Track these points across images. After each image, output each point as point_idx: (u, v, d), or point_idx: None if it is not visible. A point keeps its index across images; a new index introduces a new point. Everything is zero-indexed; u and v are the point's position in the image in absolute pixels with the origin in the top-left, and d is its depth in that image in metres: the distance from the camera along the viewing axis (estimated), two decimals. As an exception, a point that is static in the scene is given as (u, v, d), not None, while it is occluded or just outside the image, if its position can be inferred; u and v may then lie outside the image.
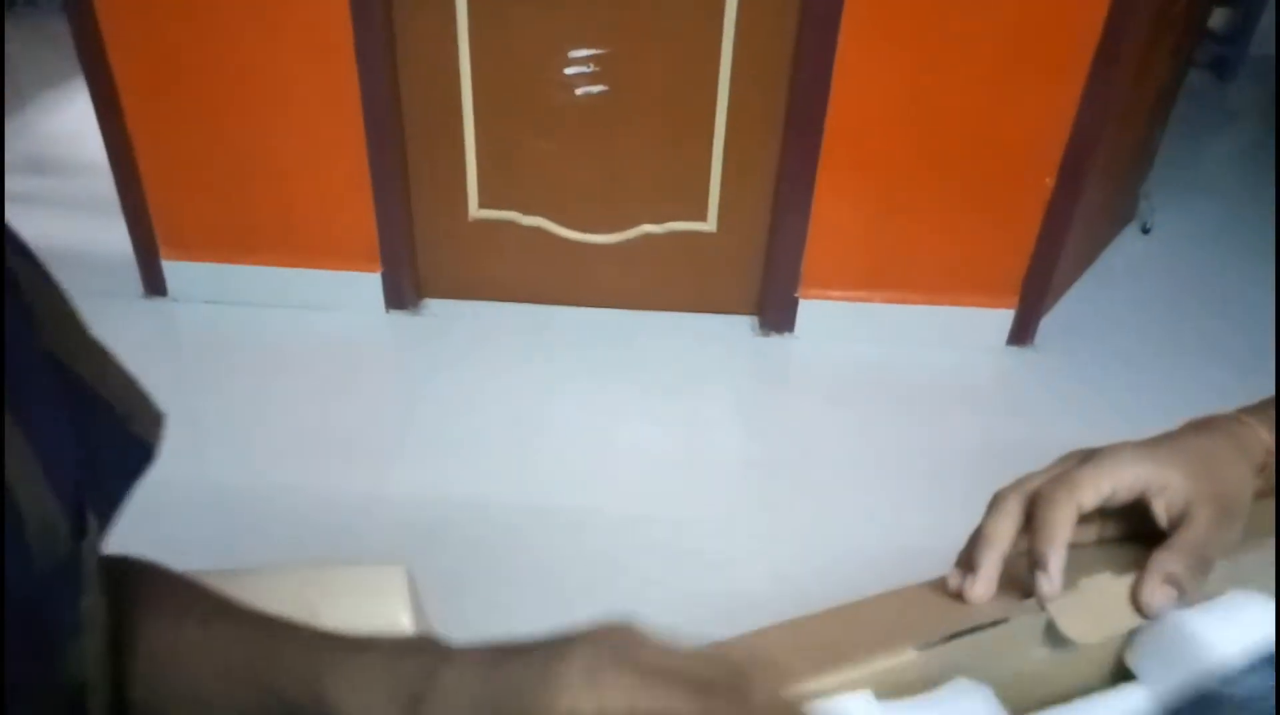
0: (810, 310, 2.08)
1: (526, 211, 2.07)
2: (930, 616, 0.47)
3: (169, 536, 1.55)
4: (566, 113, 1.93)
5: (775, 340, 2.11)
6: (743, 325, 2.14)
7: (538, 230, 2.09)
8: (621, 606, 0.45)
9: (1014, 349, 2.08)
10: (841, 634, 0.47)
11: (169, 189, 2.02)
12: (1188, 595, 0.46)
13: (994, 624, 0.45)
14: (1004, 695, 0.45)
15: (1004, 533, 0.47)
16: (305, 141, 1.95)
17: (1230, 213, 2.60)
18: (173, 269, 2.12)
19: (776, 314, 2.10)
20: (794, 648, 0.47)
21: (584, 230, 2.08)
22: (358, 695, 0.35)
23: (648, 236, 2.07)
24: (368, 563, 0.76)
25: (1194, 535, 0.46)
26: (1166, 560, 0.45)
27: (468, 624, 0.70)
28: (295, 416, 1.88)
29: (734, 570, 1.58)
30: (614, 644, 0.33)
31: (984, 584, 0.46)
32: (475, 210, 2.06)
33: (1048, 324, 2.11)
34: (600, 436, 1.86)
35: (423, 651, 0.36)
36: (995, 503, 0.48)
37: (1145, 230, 2.44)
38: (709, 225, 2.05)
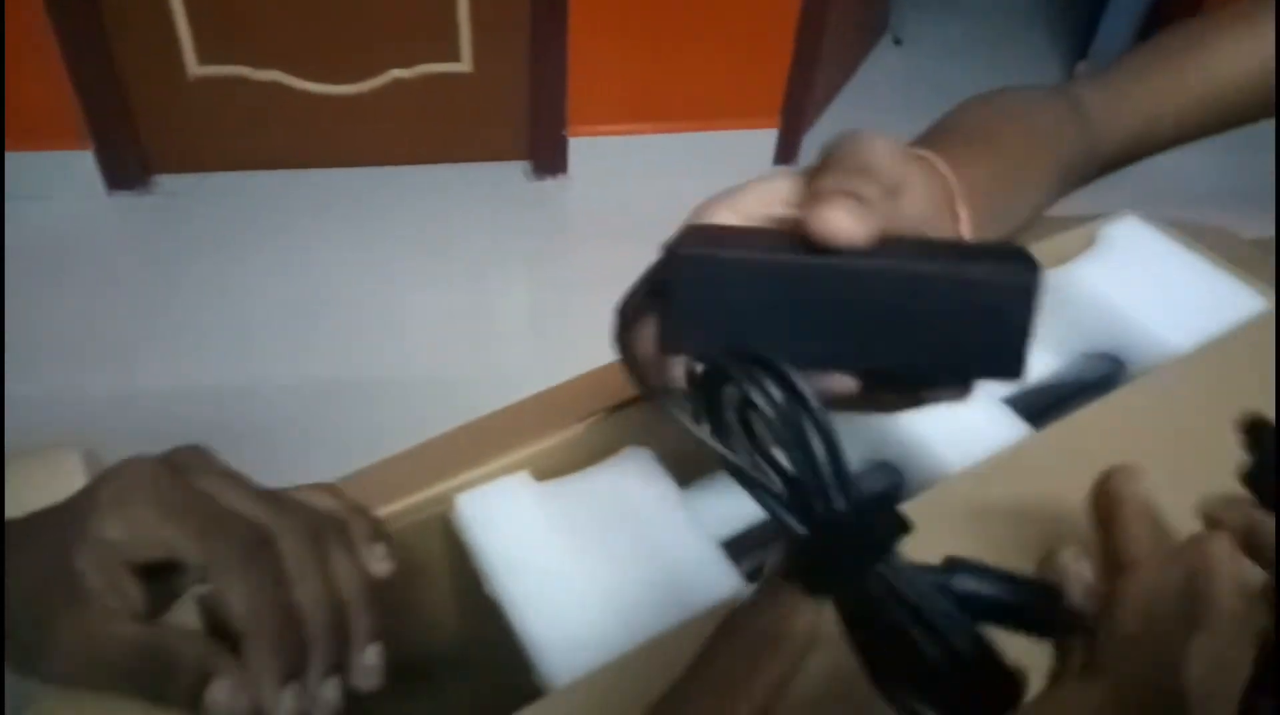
0: (581, 148, 2.02)
1: (257, 65, 1.86)
2: (606, 393, 0.46)
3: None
4: (282, -55, 1.71)
5: (549, 183, 2.05)
6: (514, 171, 2.06)
7: (274, 85, 1.88)
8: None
9: (781, 169, 2.12)
10: (511, 424, 0.45)
11: None
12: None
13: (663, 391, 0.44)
14: (680, 463, 0.44)
15: None
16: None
17: (975, 25, 2.71)
18: None
19: (547, 156, 2.03)
20: (464, 444, 0.44)
21: (326, 81, 1.89)
22: None
23: (399, 82, 1.92)
24: (37, 450, 0.67)
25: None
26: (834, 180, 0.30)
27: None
28: (13, 320, 1.66)
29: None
30: (163, 469, 0.31)
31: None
32: (195, 67, 1.82)
33: (811, 140, 2.15)
34: (377, 304, 1.77)
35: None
36: None
37: (897, 42, 2.51)
38: (464, 65, 1.92)
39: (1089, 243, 0.54)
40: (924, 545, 0.38)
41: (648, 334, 0.30)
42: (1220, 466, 0.27)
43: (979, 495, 0.40)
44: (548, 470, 0.41)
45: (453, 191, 2.01)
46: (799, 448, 0.24)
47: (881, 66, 2.46)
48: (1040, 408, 0.48)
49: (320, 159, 1.99)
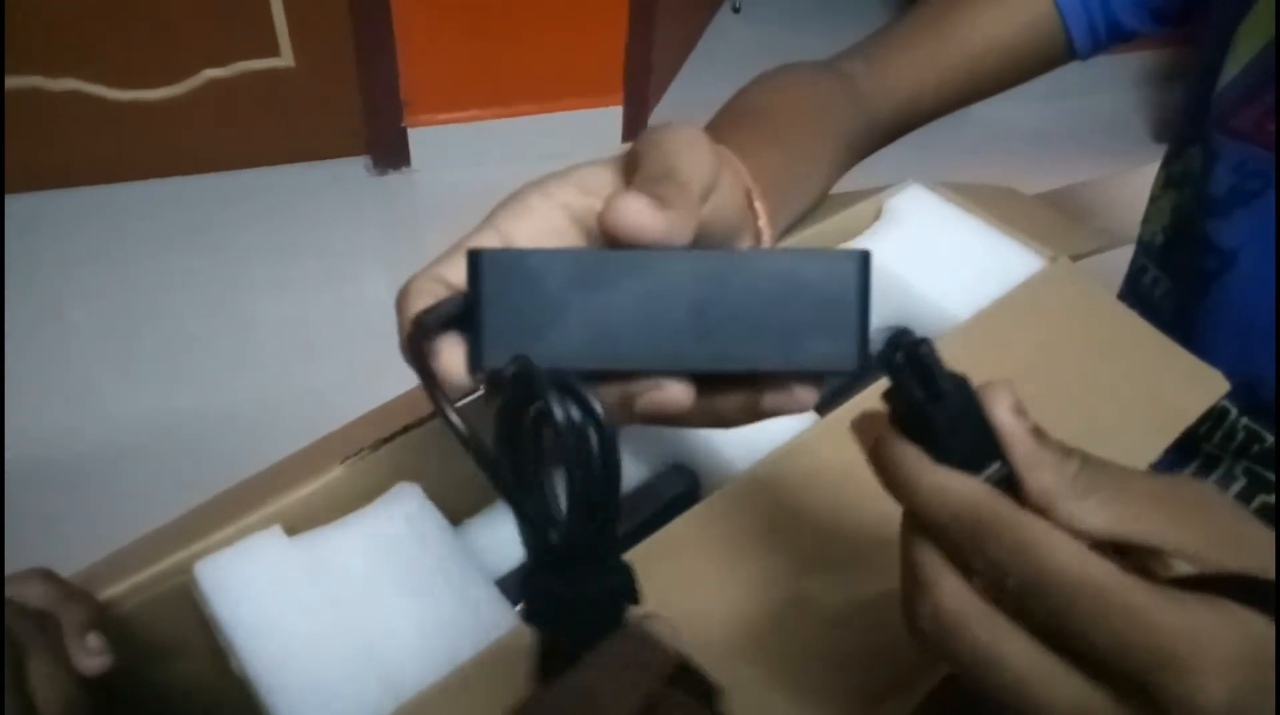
0: (423, 139, 1.95)
1: (52, 73, 1.70)
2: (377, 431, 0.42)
3: None
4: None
5: (393, 177, 1.97)
6: (355, 167, 1.97)
7: (75, 95, 1.73)
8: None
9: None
10: (280, 475, 0.41)
11: None
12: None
13: (431, 416, 0.41)
14: (455, 497, 0.41)
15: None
16: None
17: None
18: None
19: (387, 149, 1.95)
20: (224, 504, 0.40)
21: (134, 87, 1.76)
22: None
23: (215, 83, 1.80)
24: None
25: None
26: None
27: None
28: None
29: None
30: None
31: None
32: (-22, 81, 1.67)
33: (659, 116, 2.14)
34: (227, 320, 1.66)
35: None
36: None
37: (736, 9, 2.52)
38: (284, 60, 1.81)
39: (876, 215, 0.54)
40: (722, 542, 0.37)
41: (451, 354, 0.27)
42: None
43: (769, 489, 0.39)
44: (305, 522, 0.37)
45: (290, 194, 1.91)
46: (581, 474, 0.22)
47: (723, 35, 2.47)
48: (834, 391, 0.47)
49: (144, 170, 1.85)
